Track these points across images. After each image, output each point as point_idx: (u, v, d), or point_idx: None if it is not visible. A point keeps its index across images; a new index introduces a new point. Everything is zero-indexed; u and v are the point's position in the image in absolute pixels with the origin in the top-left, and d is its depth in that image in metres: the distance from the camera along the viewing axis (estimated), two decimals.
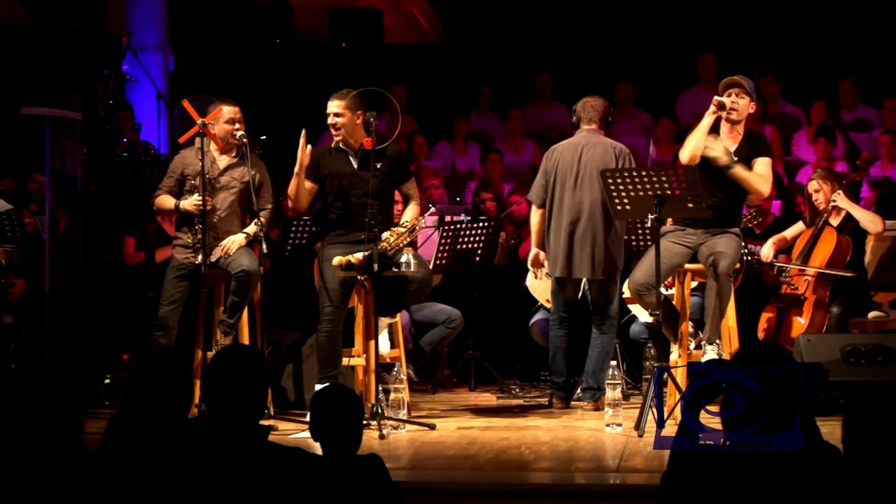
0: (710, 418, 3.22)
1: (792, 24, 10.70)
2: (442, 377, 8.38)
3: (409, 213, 6.70)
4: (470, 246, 7.86)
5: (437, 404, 7.54)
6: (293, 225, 8.16)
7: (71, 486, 3.16)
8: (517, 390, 7.90)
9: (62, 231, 8.21)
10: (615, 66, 10.67)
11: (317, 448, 3.60)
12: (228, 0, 11.71)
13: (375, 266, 6.26)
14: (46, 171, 7.83)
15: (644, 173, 6.27)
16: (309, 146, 6.57)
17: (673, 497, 3.12)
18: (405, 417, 6.44)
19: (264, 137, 9.31)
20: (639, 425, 6.02)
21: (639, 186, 6.23)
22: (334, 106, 6.64)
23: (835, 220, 7.47)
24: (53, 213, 7.93)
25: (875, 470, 2.96)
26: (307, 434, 3.71)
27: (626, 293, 7.04)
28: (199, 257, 6.66)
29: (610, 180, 6.32)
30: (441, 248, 7.72)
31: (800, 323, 7.25)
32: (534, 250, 7.24)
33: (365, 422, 5.86)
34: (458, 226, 7.92)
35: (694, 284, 6.89)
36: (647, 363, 7.23)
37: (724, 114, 6.50)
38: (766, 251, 7.46)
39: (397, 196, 6.96)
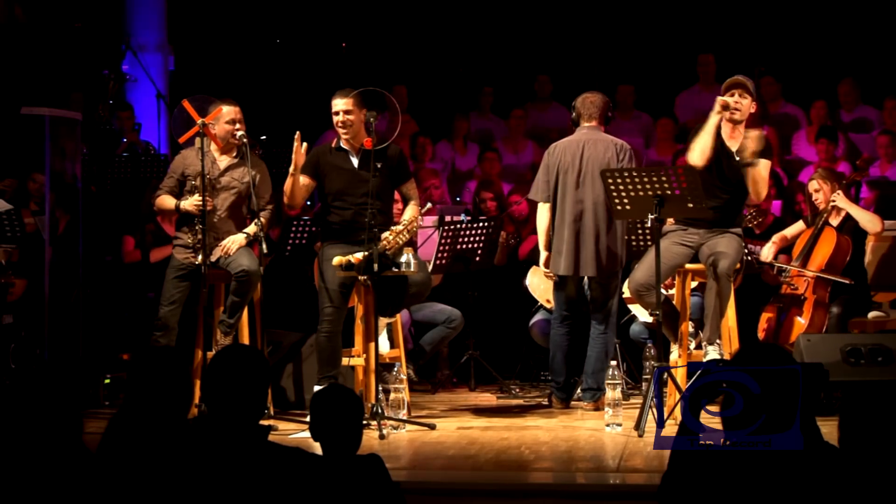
0: (710, 418, 3.22)
1: (792, 24, 10.70)
2: (442, 377, 8.38)
3: (409, 214, 6.70)
4: (470, 246, 7.86)
5: (437, 404, 7.54)
6: (293, 225, 8.16)
7: (71, 486, 3.16)
8: (517, 390, 7.91)
9: (62, 231, 8.21)
10: (615, 67, 10.67)
11: (317, 448, 3.60)
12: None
13: (375, 266, 6.26)
14: (46, 171, 7.83)
15: (644, 173, 6.27)
16: (304, 144, 6.56)
17: (673, 497, 3.12)
18: (405, 417, 6.44)
19: (264, 137, 9.31)
20: (639, 425, 6.02)
21: (639, 186, 6.23)
22: (342, 104, 6.63)
23: (834, 220, 7.48)
24: (53, 213, 7.94)
25: (872, 470, 2.95)
26: (307, 434, 3.71)
27: (626, 293, 7.04)
28: (200, 257, 6.66)
29: (610, 180, 6.31)
30: (441, 248, 7.72)
31: (800, 323, 7.25)
32: (544, 253, 7.17)
33: (365, 422, 5.86)
34: (458, 226, 7.92)
35: (694, 284, 6.89)
36: (647, 363, 7.23)
37: (727, 114, 6.50)
38: (766, 252, 7.46)
39: (396, 196, 6.96)
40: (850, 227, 7.43)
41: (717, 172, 6.52)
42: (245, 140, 6.75)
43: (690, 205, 6.25)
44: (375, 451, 3.80)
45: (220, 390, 3.36)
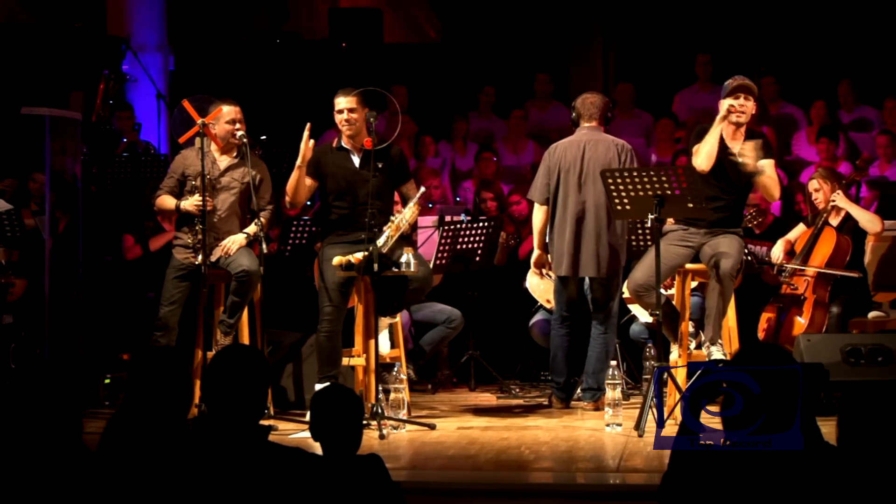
0: (710, 418, 3.22)
1: (791, 24, 10.70)
2: (442, 377, 8.37)
3: (408, 207, 6.68)
4: (470, 246, 7.86)
5: (437, 404, 7.54)
6: (293, 225, 8.16)
7: (70, 486, 3.16)
8: (517, 390, 7.90)
9: (62, 231, 8.22)
10: (615, 67, 10.67)
11: (317, 448, 3.60)
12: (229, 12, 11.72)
13: (375, 266, 6.26)
14: (46, 171, 7.83)
15: (644, 173, 6.27)
16: (312, 141, 6.56)
17: (673, 497, 3.12)
18: (405, 417, 6.44)
19: (264, 137, 9.31)
20: (639, 425, 6.02)
21: (639, 186, 6.23)
22: (347, 102, 6.62)
23: (834, 220, 7.48)
24: (53, 213, 7.94)
25: (871, 470, 2.95)
26: (307, 434, 3.71)
27: (626, 293, 7.03)
28: (200, 257, 6.66)
29: (610, 180, 6.31)
30: (441, 248, 7.72)
31: (800, 323, 7.25)
32: (536, 252, 7.22)
33: (365, 422, 5.86)
34: (458, 226, 7.91)
35: (694, 284, 6.89)
36: (647, 363, 7.23)
37: (732, 117, 6.49)
38: (778, 253, 7.46)
39: (396, 198, 6.95)
40: (849, 226, 7.43)
41: (719, 173, 6.52)
42: (245, 140, 6.75)
43: (690, 205, 6.25)
44: (375, 451, 3.80)
45: (220, 390, 3.35)
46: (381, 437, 6.08)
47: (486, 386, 8.15)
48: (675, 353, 6.58)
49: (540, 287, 7.80)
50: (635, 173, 6.29)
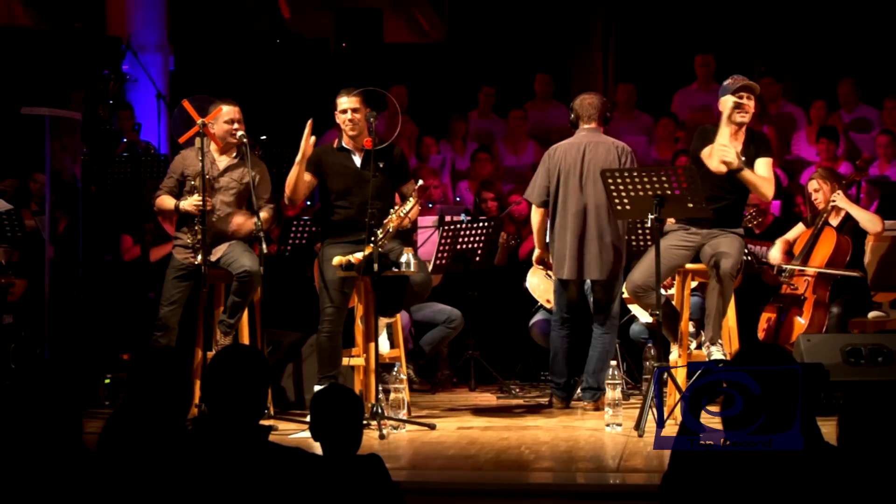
0: (710, 418, 3.22)
1: (791, 24, 10.71)
2: (442, 377, 8.38)
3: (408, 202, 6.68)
4: (470, 246, 7.86)
5: (437, 404, 7.54)
6: (293, 225, 8.16)
7: (70, 485, 3.16)
8: (517, 390, 7.90)
9: (62, 231, 8.22)
10: (615, 67, 10.67)
11: (317, 448, 3.60)
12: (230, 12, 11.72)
13: (375, 266, 6.26)
14: (46, 171, 7.83)
15: (644, 173, 6.27)
16: (313, 137, 6.55)
17: (673, 497, 3.12)
18: (405, 417, 6.44)
19: (264, 137, 9.31)
20: (639, 425, 6.02)
21: (639, 186, 6.23)
22: (351, 101, 6.62)
23: (834, 220, 7.48)
24: (53, 213, 7.94)
25: (872, 470, 2.95)
26: (307, 434, 3.71)
27: (626, 293, 7.03)
28: (199, 257, 6.66)
29: (610, 180, 6.31)
30: (441, 248, 7.72)
31: (800, 323, 7.25)
32: (537, 251, 7.23)
33: (365, 422, 5.85)
34: (458, 226, 7.91)
35: (694, 284, 6.89)
36: (647, 363, 7.23)
37: (737, 117, 6.49)
38: (776, 254, 7.46)
39: (397, 198, 6.95)
40: (849, 226, 7.43)
41: (725, 175, 6.51)
42: (245, 140, 6.74)
43: (690, 205, 6.24)
44: (375, 451, 3.80)
45: (220, 390, 3.35)
46: (381, 437, 6.08)
47: (486, 386, 8.15)
48: (675, 353, 6.58)
49: (540, 287, 7.81)
50: (635, 173, 6.29)
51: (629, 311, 7.67)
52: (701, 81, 10.11)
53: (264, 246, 6.55)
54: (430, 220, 8.20)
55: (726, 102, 6.48)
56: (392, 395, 6.41)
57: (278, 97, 10.71)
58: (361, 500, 3.47)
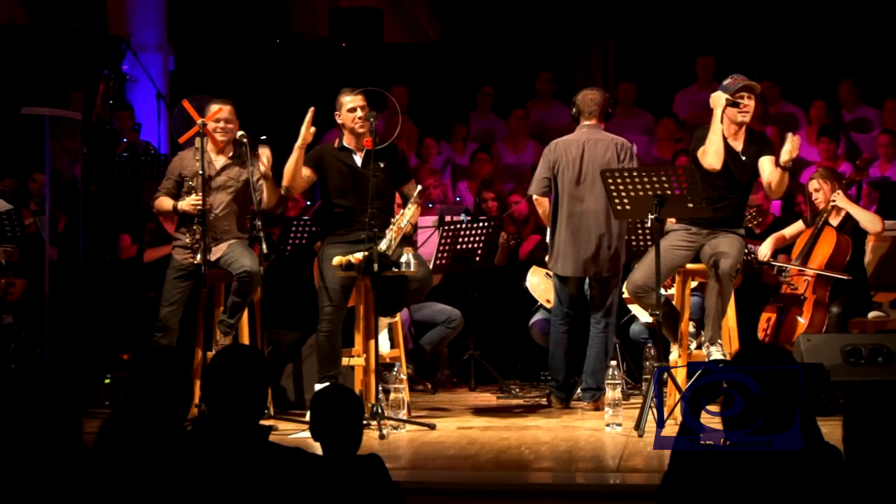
0: (710, 418, 3.22)
1: (792, 25, 10.70)
2: (442, 377, 8.37)
3: (409, 207, 6.68)
4: (470, 246, 7.86)
5: (437, 404, 7.54)
6: (293, 225, 8.16)
7: (70, 485, 3.16)
8: (517, 390, 7.90)
9: (62, 231, 8.21)
10: (617, 66, 10.67)
11: (317, 448, 3.60)
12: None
13: (375, 266, 6.25)
14: (46, 171, 7.84)
15: (644, 173, 6.27)
16: (313, 128, 6.53)
17: (673, 497, 3.12)
18: (405, 417, 6.43)
19: (264, 137, 9.30)
20: (639, 425, 6.02)
21: (639, 186, 6.23)
22: (360, 99, 6.62)
23: (834, 220, 7.47)
24: (53, 213, 7.94)
25: (877, 470, 2.95)
26: (307, 434, 3.71)
27: (626, 293, 7.03)
28: (198, 257, 6.66)
29: (610, 180, 6.31)
30: (441, 248, 7.72)
31: (800, 323, 7.25)
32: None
33: (365, 422, 5.85)
34: (458, 226, 7.91)
35: (694, 284, 6.89)
36: (647, 363, 7.23)
37: (739, 117, 6.49)
38: (764, 249, 7.46)
39: (398, 198, 6.95)
40: (849, 226, 7.42)
41: (724, 173, 6.51)
42: (245, 140, 6.74)
43: (690, 205, 6.25)
44: (375, 451, 3.80)
45: (220, 390, 3.35)
46: (381, 437, 6.08)
47: (486, 386, 8.15)
48: (675, 353, 6.58)
49: (540, 287, 7.81)
50: (635, 173, 6.29)
51: (629, 311, 7.67)
52: (702, 82, 10.11)
53: (264, 246, 6.55)
54: (430, 220, 8.20)
55: (718, 99, 6.49)
56: (392, 395, 6.41)
57: (278, 97, 10.70)
58: (361, 500, 3.47)
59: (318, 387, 6.15)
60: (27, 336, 7.75)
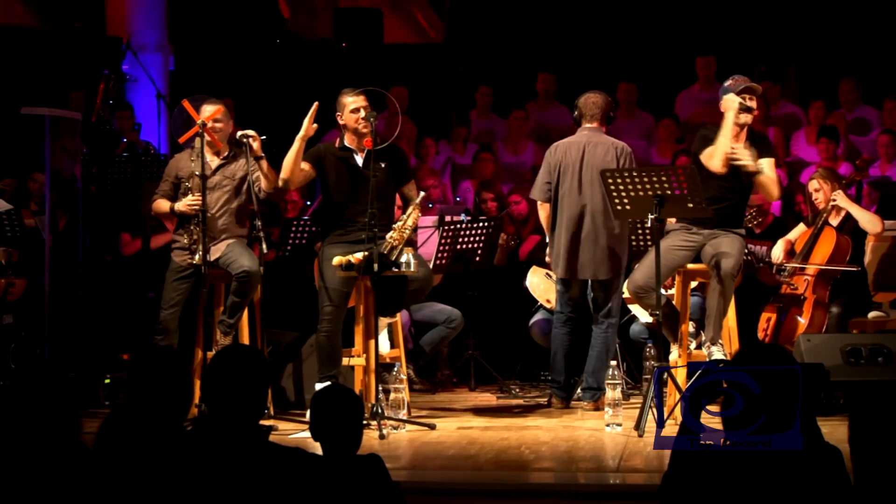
0: (710, 418, 3.22)
1: (792, 25, 10.71)
2: (442, 377, 8.37)
3: (410, 210, 6.67)
4: (470, 246, 7.86)
5: (437, 404, 7.54)
6: (293, 225, 8.16)
7: (70, 485, 3.16)
8: (517, 390, 7.90)
9: (62, 229, 8.21)
10: (617, 66, 10.67)
11: (317, 448, 3.60)
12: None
13: (375, 266, 6.25)
14: (46, 171, 7.84)
15: (644, 173, 6.27)
16: (315, 125, 6.53)
17: (674, 497, 3.12)
18: (405, 417, 6.43)
19: (264, 137, 9.29)
20: (639, 425, 6.02)
21: (639, 186, 6.23)
22: (362, 100, 6.62)
23: (834, 220, 7.47)
24: (53, 213, 7.94)
25: (883, 471, 2.95)
26: (307, 434, 3.71)
27: (626, 293, 7.04)
28: (196, 257, 6.67)
29: (610, 180, 6.31)
30: (441, 248, 7.72)
31: (800, 323, 7.24)
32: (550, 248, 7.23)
33: (365, 422, 5.85)
34: (458, 226, 7.91)
35: (694, 284, 6.89)
36: (647, 363, 7.22)
37: (741, 118, 6.50)
38: (778, 253, 7.46)
39: (398, 200, 6.95)
40: (849, 226, 7.42)
41: (726, 174, 6.50)
42: (245, 140, 6.73)
43: (690, 205, 6.25)
44: (375, 451, 3.80)
45: (220, 390, 3.35)
46: (381, 437, 6.08)
47: (486, 386, 8.15)
48: (675, 353, 6.58)
49: (540, 287, 7.80)
50: (635, 173, 6.29)
51: (629, 311, 7.67)
52: (703, 82, 10.11)
53: (264, 246, 6.55)
54: (430, 220, 8.20)
55: (731, 102, 6.48)
56: (392, 395, 6.41)
57: (278, 97, 10.71)
58: (361, 500, 3.47)
59: (318, 387, 6.16)
60: (27, 336, 7.75)
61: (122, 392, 7.19)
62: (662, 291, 6.39)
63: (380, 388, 6.42)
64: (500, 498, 5.05)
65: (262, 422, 3.41)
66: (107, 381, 7.51)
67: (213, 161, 6.85)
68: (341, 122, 6.69)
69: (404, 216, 6.55)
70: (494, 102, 10.68)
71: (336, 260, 6.42)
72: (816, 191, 7.52)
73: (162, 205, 6.88)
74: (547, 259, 7.29)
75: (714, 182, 6.47)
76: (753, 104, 6.53)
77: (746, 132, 6.59)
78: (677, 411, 5.74)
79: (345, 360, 6.65)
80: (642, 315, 7.60)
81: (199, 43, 11.40)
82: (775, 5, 10.80)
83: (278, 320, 7.50)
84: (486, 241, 7.91)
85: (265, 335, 6.95)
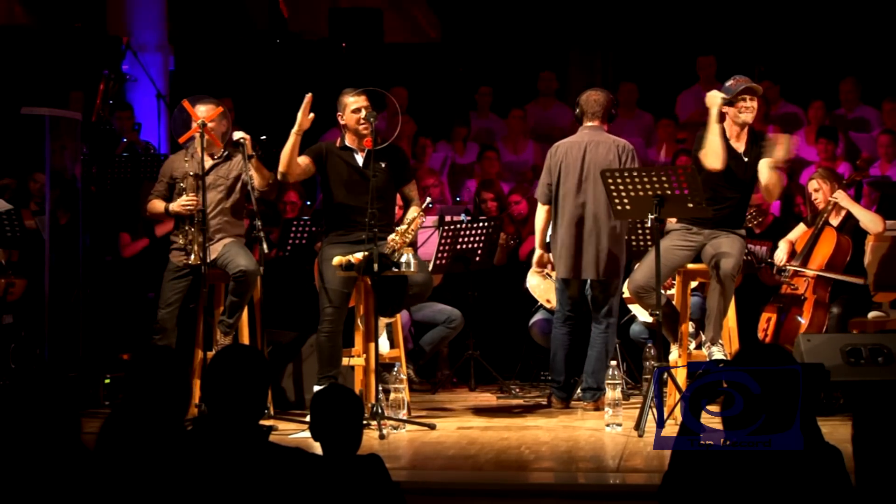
0: (710, 418, 3.21)
1: (792, 25, 10.71)
2: (442, 377, 8.37)
3: (411, 213, 6.68)
4: (470, 246, 7.86)
5: (437, 404, 7.54)
6: (293, 225, 8.16)
7: (69, 486, 3.16)
8: (517, 390, 7.90)
9: (63, 224, 8.21)
10: (618, 66, 10.67)
11: (317, 448, 3.60)
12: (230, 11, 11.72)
13: (375, 266, 6.25)
14: (46, 171, 7.84)
15: (644, 173, 6.27)
16: (311, 115, 6.53)
17: (673, 497, 3.12)
18: (405, 417, 6.43)
19: (264, 137, 9.30)
20: (639, 425, 6.02)
21: (639, 186, 6.23)
22: (363, 100, 6.62)
23: (835, 220, 7.47)
24: (54, 212, 7.94)
25: (887, 471, 2.95)
26: (307, 434, 3.71)
27: (626, 293, 7.04)
28: (192, 257, 6.67)
29: (610, 180, 6.31)
30: (441, 248, 7.72)
31: (800, 323, 7.25)
32: (538, 251, 7.24)
33: (365, 422, 5.85)
34: (458, 226, 7.91)
35: (694, 284, 6.89)
36: (647, 363, 7.22)
37: (741, 117, 6.49)
38: (781, 254, 7.45)
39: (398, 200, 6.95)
40: (850, 226, 7.42)
41: (727, 174, 6.51)
42: (242, 141, 6.73)
43: (690, 205, 6.25)
44: (375, 451, 3.80)
45: (220, 390, 3.35)
46: (381, 437, 6.08)
47: (486, 386, 8.15)
48: (675, 353, 6.58)
49: (540, 287, 7.80)
50: (635, 173, 6.29)
51: (629, 311, 7.67)
52: (703, 82, 10.11)
53: (265, 246, 6.55)
54: (430, 220, 8.19)
55: (713, 99, 6.48)
56: (392, 395, 6.41)
57: (278, 97, 10.70)
58: (361, 500, 3.47)
59: (317, 387, 6.16)
60: (27, 336, 7.75)
61: (122, 392, 7.21)
62: (662, 291, 6.39)
63: (380, 388, 6.42)
64: (500, 498, 5.05)
65: (262, 422, 3.40)
66: (107, 381, 7.51)
67: (206, 161, 6.85)
68: (342, 122, 6.69)
69: (407, 219, 6.54)
70: (494, 102, 10.68)
71: (336, 260, 6.42)
72: (816, 191, 7.52)
73: (157, 206, 6.90)
74: (537, 259, 7.28)
75: (714, 182, 6.47)
76: (754, 104, 6.52)
77: (748, 132, 6.59)
78: (677, 411, 5.73)
79: (345, 360, 6.65)
80: (642, 315, 7.60)
81: (199, 43, 11.40)
82: (775, 5, 10.80)
83: (278, 320, 7.50)
84: (486, 241, 7.91)
85: (265, 335, 6.95)
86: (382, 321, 6.89)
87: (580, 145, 7.07)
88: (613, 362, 6.46)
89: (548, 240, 7.22)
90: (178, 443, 3.29)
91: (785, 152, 6.44)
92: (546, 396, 7.44)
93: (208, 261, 6.68)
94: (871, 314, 7.23)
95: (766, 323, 7.41)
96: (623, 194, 6.28)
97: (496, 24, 11.44)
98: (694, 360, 6.54)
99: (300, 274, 8.13)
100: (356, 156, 6.68)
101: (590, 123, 7.11)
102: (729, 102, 6.49)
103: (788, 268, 7.42)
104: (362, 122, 6.57)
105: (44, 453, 3.18)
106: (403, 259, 6.39)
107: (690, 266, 6.61)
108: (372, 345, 6.45)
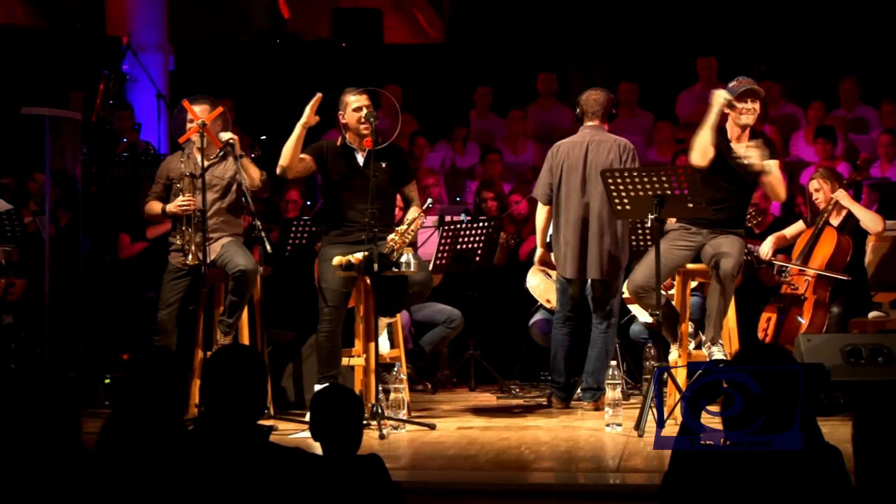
0: (710, 418, 3.21)
1: (792, 24, 10.71)
2: (442, 377, 8.37)
3: (412, 213, 6.68)
4: (470, 246, 7.86)
5: (437, 404, 7.54)
6: (293, 225, 8.16)
7: (69, 486, 3.16)
8: (517, 390, 7.90)
9: (64, 225, 8.21)
10: (618, 66, 10.67)
11: (317, 448, 3.60)
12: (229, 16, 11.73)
13: (375, 266, 6.25)
14: (46, 170, 7.84)
15: (644, 173, 6.27)
16: (317, 117, 6.52)
17: (673, 497, 3.12)
18: (405, 417, 6.43)
19: (264, 137, 9.31)
20: (639, 425, 6.02)
21: (639, 186, 6.23)
22: (364, 99, 6.62)
23: (835, 220, 7.48)
24: (54, 212, 7.94)
25: (887, 472, 2.94)
26: (307, 434, 3.71)
27: (626, 293, 7.04)
28: (189, 258, 6.67)
29: (610, 180, 6.31)
30: (441, 248, 7.72)
31: (800, 323, 7.25)
32: (539, 250, 7.24)
33: (365, 422, 5.85)
34: (458, 226, 7.91)
35: (694, 284, 6.89)
36: (647, 363, 7.22)
37: (742, 119, 6.49)
38: (766, 248, 7.46)
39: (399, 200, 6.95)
40: (850, 226, 7.43)
41: (728, 175, 6.51)
42: (232, 142, 6.73)
43: (690, 205, 6.25)
44: (375, 451, 3.80)
45: (219, 390, 3.35)
46: (381, 437, 6.08)
47: (486, 386, 8.15)
48: (674, 353, 6.58)
49: (540, 287, 7.80)
50: (635, 173, 6.29)
51: (629, 311, 7.67)
52: (704, 83, 10.11)
53: (268, 246, 6.55)
54: (431, 220, 8.19)
55: (717, 97, 6.47)
56: (392, 395, 6.41)
57: (278, 97, 10.71)
58: (361, 500, 3.47)
59: (317, 387, 6.16)
60: (27, 336, 7.75)
61: (121, 393, 7.21)
62: (662, 292, 6.39)
63: (380, 388, 6.42)
64: (500, 498, 5.05)
65: (262, 422, 3.40)
66: (107, 381, 7.51)
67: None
68: (343, 121, 6.69)
69: (407, 220, 6.54)
70: (494, 102, 10.68)
71: (336, 260, 6.42)
72: (817, 191, 7.52)
73: (154, 207, 6.91)
74: (538, 257, 7.28)
75: (715, 183, 6.47)
76: (755, 105, 6.52)
77: (750, 133, 6.59)
78: (677, 411, 5.73)
79: (345, 360, 6.65)
80: (642, 315, 7.60)
81: (199, 43, 11.40)
82: (775, 5, 10.80)
83: (278, 320, 7.50)
84: (486, 241, 7.91)
85: (265, 335, 6.95)
86: (382, 321, 6.89)
87: (582, 145, 7.07)
88: (613, 362, 6.45)
89: (548, 239, 7.22)
90: (178, 443, 3.29)
91: (757, 159, 6.43)
92: (546, 396, 7.44)
93: (207, 261, 6.69)
94: (871, 314, 7.23)
95: (766, 323, 7.41)
96: (623, 194, 6.28)
97: (496, 24, 11.44)
98: (694, 360, 6.54)
99: (300, 274, 8.13)
100: (357, 155, 6.68)
101: (590, 123, 7.11)
102: (730, 106, 6.48)
103: (777, 264, 7.43)
104: (363, 121, 6.57)
105: (44, 453, 3.18)
106: (403, 259, 6.38)
107: (690, 266, 6.61)
108: (372, 345, 6.45)
